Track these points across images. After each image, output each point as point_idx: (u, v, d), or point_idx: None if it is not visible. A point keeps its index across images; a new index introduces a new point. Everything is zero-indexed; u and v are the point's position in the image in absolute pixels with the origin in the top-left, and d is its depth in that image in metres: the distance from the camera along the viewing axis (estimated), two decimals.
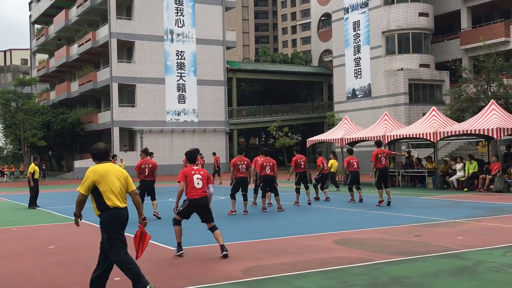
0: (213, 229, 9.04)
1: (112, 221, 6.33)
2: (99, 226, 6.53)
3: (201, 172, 9.01)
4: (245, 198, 15.16)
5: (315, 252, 9.26)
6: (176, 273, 7.93)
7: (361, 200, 17.85)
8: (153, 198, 14.43)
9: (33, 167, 18.96)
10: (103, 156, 6.57)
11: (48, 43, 60.26)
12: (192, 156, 9.33)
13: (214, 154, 31.45)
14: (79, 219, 6.72)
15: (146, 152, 14.69)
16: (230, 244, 10.22)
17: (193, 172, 8.95)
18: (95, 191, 6.36)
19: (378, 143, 17.65)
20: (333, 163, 25.25)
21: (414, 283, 6.95)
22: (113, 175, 6.41)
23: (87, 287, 7.23)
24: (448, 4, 43.87)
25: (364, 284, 6.98)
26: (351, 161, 18.61)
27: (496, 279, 7.11)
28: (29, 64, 71.24)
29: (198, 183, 8.86)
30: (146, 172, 14.36)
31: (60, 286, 7.34)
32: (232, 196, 15.09)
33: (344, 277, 7.37)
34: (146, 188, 14.30)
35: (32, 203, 18.79)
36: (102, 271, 6.52)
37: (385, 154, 17.25)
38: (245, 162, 15.04)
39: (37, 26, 65.39)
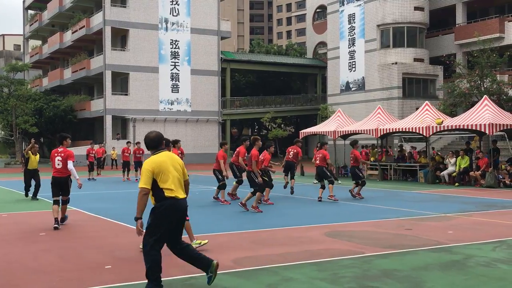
0: None
1: (166, 211, 6.05)
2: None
3: None
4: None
5: (306, 243, 9.28)
6: (167, 262, 7.91)
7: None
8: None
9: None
10: (155, 145, 6.27)
11: (42, 29, 59.82)
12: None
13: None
14: (140, 225, 6.10)
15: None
16: (221, 234, 10.24)
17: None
18: (153, 184, 6.10)
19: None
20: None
21: (404, 276, 6.98)
22: (170, 166, 6.16)
23: (79, 274, 7.24)
24: None
25: (354, 276, 7.01)
26: None
27: (485, 274, 7.16)
28: (22, 50, 70.72)
29: None
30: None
31: (52, 273, 7.31)
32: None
33: (335, 269, 7.40)
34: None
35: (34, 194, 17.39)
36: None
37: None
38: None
39: (30, 11, 64.87)
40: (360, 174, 17.25)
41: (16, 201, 16.93)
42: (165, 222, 6.08)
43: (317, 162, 16.78)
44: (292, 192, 17.17)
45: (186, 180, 6.42)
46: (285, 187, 18.10)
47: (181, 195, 6.18)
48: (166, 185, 6.08)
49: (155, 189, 6.11)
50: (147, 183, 6.06)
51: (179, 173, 6.26)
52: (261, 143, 14.57)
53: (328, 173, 16.59)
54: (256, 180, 13.74)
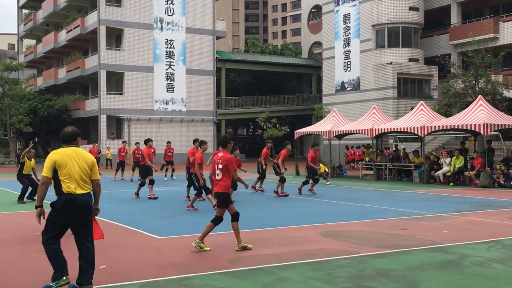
0: None
1: (63, 206, 6.25)
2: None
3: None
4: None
5: (302, 243, 9.29)
6: (163, 262, 7.92)
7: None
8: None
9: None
10: (68, 139, 6.51)
11: (36, 29, 59.60)
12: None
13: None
14: (41, 215, 6.46)
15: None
16: (218, 234, 10.22)
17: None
18: (55, 175, 6.29)
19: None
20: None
21: (399, 276, 6.99)
22: (74, 160, 6.32)
23: (73, 274, 7.19)
24: None
25: (349, 276, 7.02)
26: None
27: (480, 273, 7.17)
28: (16, 49, 70.46)
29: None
30: None
31: (46, 273, 7.28)
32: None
33: (330, 269, 7.40)
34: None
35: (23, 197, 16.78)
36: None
37: None
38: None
39: (25, 10, 64.63)
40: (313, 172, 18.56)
41: (10, 201, 16.84)
42: (62, 219, 6.30)
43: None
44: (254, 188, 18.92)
45: (95, 180, 6.48)
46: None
47: (79, 190, 6.30)
48: (64, 178, 6.26)
49: (56, 180, 6.31)
50: (48, 173, 6.28)
51: (83, 171, 6.37)
52: (207, 146, 14.89)
53: (278, 170, 17.84)
54: (196, 183, 14.37)
